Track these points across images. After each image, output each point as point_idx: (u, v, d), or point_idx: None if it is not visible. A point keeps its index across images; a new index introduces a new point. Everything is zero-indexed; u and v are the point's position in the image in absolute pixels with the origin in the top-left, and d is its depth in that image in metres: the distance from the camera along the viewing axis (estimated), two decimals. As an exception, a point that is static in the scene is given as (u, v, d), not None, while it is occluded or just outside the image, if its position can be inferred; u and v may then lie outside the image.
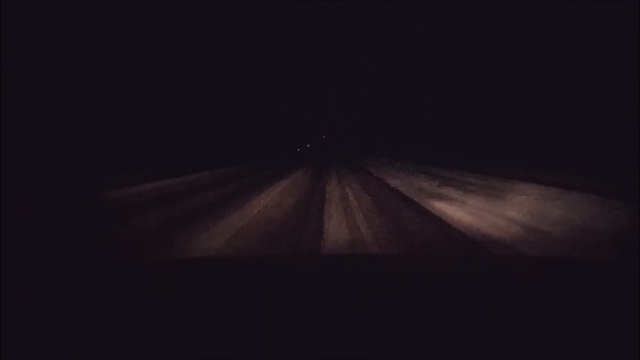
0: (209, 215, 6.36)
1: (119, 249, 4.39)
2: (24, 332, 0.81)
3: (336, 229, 5.22)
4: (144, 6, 19.24)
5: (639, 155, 10.26)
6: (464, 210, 6.57)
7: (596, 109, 14.94)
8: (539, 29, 17.86)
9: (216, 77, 29.55)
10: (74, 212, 7.20)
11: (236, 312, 0.90)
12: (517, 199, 7.87)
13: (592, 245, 4.39)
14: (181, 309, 0.93)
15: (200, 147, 24.41)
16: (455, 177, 12.73)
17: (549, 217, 5.96)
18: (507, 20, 19.96)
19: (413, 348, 0.72)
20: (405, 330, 0.78)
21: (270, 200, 8.10)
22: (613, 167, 10.66)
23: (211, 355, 0.71)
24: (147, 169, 14.68)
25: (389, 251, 4.26)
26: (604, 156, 12.57)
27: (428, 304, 0.94)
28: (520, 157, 16.69)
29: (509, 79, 20.53)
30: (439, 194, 8.84)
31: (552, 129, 17.53)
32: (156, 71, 20.63)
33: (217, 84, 29.87)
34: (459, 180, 11.67)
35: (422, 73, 33.72)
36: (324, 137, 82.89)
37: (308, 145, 67.02)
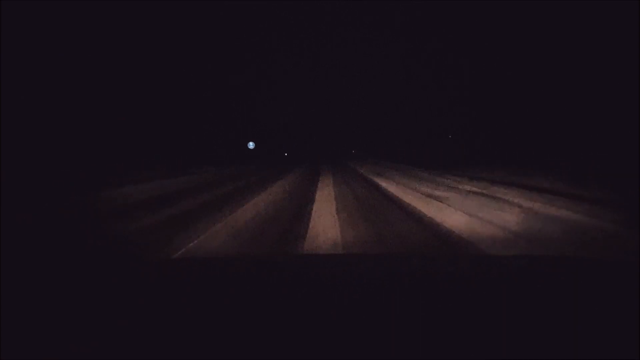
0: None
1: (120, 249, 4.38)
2: (24, 332, 0.81)
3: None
4: (140, 6, 19.23)
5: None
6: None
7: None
8: (536, 30, 17.89)
9: (206, 78, 29.21)
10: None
11: (233, 313, 0.90)
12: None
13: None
14: (180, 310, 0.93)
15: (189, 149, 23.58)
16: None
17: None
18: (503, 24, 20.04)
19: (407, 348, 0.72)
20: (400, 330, 0.78)
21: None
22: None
23: (210, 355, 0.71)
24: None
25: (383, 252, 4.26)
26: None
27: (422, 304, 0.94)
28: (509, 163, 16.76)
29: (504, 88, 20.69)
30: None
31: (539, 135, 17.82)
32: (150, 71, 20.55)
33: (207, 84, 29.48)
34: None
35: (418, 76, 33.80)
36: (313, 139, 79.19)
37: (285, 154, 55.39)
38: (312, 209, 7.14)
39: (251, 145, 37.65)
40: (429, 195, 8.92)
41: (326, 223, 5.80)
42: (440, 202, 7.93)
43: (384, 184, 12.05)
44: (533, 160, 16.95)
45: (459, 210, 6.83)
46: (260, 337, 0.77)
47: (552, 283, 1.14)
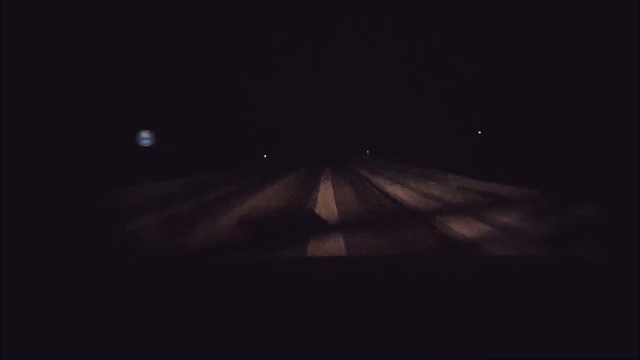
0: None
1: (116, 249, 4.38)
2: (24, 332, 0.80)
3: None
4: (140, 6, 19.25)
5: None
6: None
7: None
8: (536, 29, 17.93)
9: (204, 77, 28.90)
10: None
11: (233, 314, 0.90)
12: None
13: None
14: (181, 310, 0.93)
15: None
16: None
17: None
18: (503, 23, 20.08)
19: (408, 349, 0.72)
20: (400, 332, 0.78)
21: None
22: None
23: (210, 355, 0.71)
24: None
25: (382, 254, 4.26)
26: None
27: (423, 305, 0.94)
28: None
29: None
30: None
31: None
32: (149, 70, 20.51)
33: (207, 84, 29.14)
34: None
35: (418, 76, 33.92)
36: (304, 147, 75.74)
37: (264, 156, 41.40)
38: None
39: (145, 139, 15.59)
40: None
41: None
42: None
43: None
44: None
45: None
46: (261, 338, 0.77)
47: (551, 283, 1.14)
